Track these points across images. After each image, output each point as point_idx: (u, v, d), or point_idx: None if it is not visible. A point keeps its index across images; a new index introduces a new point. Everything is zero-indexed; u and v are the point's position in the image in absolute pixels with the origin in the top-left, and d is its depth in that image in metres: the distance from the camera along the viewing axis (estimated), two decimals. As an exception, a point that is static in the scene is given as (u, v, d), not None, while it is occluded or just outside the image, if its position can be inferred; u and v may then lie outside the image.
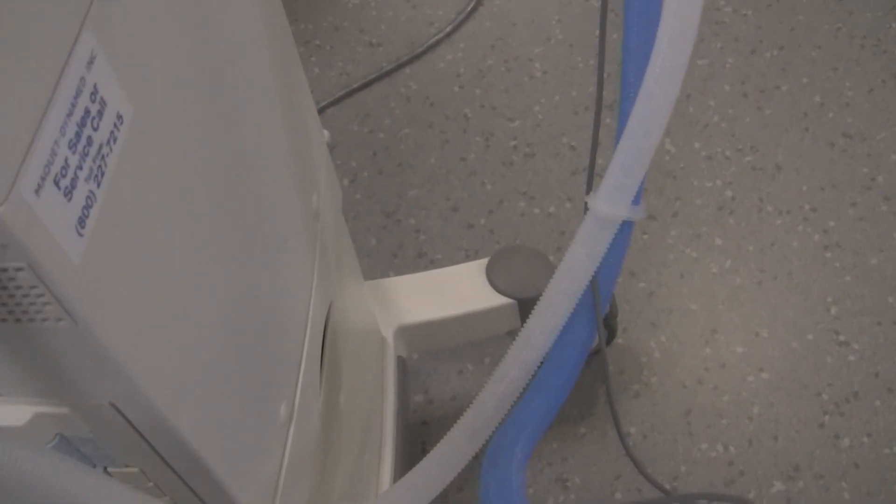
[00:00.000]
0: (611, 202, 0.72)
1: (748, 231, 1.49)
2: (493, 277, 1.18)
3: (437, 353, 1.38)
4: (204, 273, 0.60)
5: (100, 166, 0.44)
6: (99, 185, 0.44)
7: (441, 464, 0.73)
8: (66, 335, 0.46)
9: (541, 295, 0.74)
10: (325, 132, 0.94)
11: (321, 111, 1.66)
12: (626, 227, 0.76)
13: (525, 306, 1.18)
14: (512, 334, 1.27)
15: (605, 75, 0.75)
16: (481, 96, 1.69)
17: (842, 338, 1.38)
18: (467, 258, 1.46)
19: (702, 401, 1.34)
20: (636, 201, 0.74)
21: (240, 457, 0.65)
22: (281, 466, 0.73)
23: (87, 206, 0.44)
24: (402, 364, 1.16)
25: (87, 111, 0.44)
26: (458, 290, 1.19)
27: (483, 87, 1.71)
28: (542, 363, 0.76)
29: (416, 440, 1.29)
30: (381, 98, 1.71)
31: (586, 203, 0.74)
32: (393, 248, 1.50)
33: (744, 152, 1.58)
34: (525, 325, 0.74)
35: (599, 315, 0.78)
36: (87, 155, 0.43)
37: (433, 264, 1.47)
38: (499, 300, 1.17)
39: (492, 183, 1.56)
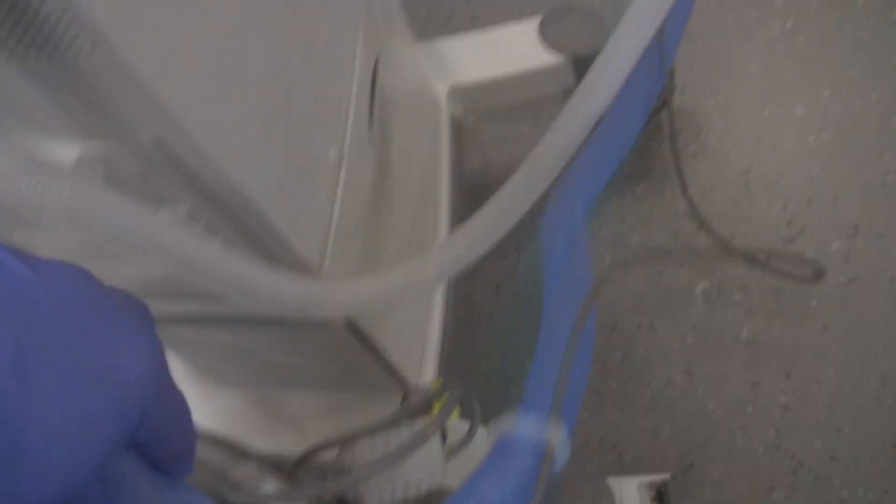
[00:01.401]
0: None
1: (812, -13, 1.43)
2: (546, 35, 1.16)
3: (492, 118, 1.37)
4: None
5: None
6: None
7: (499, 213, 0.73)
8: (102, 66, 0.45)
9: (594, 52, 0.72)
10: None
11: None
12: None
13: (579, 64, 1.16)
14: (567, 93, 1.26)
15: None
16: None
17: (908, 95, 1.34)
18: (521, 22, 1.43)
19: (761, 160, 1.32)
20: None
21: (288, 196, 0.65)
22: (332, 212, 0.74)
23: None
24: (456, 125, 1.15)
25: None
26: (511, 49, 1.17)
27: None
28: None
29: (472, 205, 1.29)
30: None
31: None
32: (444, 15, 1.47)
33: None
34: (588, 73, 0.72)
35: (667, 63, 0.75)
36: None
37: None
38: (553, 58, 1.15)
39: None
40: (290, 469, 0.63)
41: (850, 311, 1.25)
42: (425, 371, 1.03)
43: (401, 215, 0.94)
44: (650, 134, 1.35)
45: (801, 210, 1.29)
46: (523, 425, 0.50)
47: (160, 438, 0.40)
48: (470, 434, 0.67)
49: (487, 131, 1.37)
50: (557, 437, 0.49)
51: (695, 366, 1.25)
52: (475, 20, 1.46)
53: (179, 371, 1.07)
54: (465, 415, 0.71)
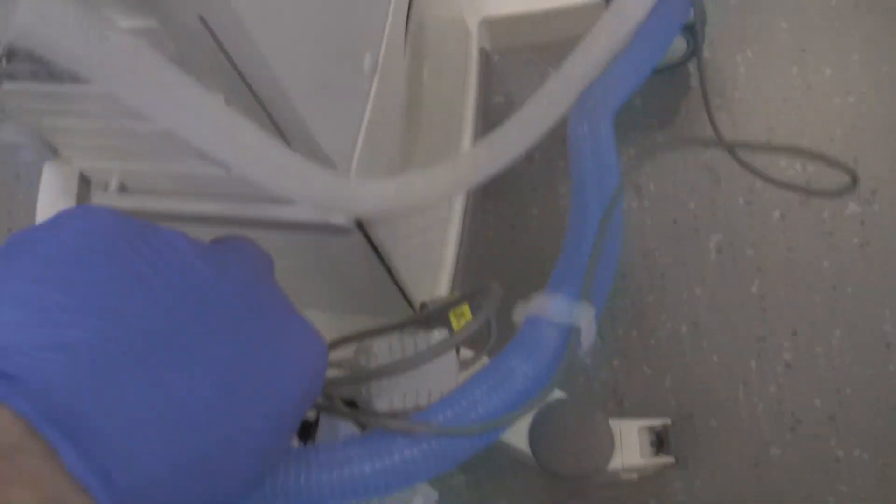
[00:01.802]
0: None
1: (850, -50, 1.42)
2: (582, -26, 1.15)
3: (519, 56, 1.36)
4: None
5: None
6: None
7: (523, 125, 0.73)
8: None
9: None
10: None
11: None
12: None
13: (612, 5, 1.15)
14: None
15: None
16: None
17: (937, 64, 1.34)
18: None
19: (784, 118, 1.32)
20: None
21: (322, 95, 0.65)
22: (362, 120, 0.74)
23: None
24: (485, 56, 1.14)
25: None
26: (545, -15, 1.16)
27: None
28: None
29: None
30: None
31: None
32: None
33: None
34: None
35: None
36: None
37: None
38: (585, -5, 1.14)
39: None
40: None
41: (860, 274, 1.25)
42: (438, 294, 1.04)
43: (426, 137, 0.94)
44: (674, 84, 1.34)
45: (820, 170, 1.29)
46: (552, 305, 0.50)
47: None
48: (484, 349, 0.67)
49: (513, 69, 1.37)
50: (586, 317, 0.49)
51: (702, 318, 1.25)
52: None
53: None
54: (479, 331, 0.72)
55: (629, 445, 1.06)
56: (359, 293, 0.99)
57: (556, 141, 1.32)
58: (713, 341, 1.25)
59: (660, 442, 1.09)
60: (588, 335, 0.48)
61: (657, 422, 1.09)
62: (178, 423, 0.34)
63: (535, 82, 1.38)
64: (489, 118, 1.25)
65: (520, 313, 0.53)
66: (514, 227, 1.32)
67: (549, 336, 0.48)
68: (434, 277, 1.06)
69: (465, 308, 0.72)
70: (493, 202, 1.32)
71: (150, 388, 0.34)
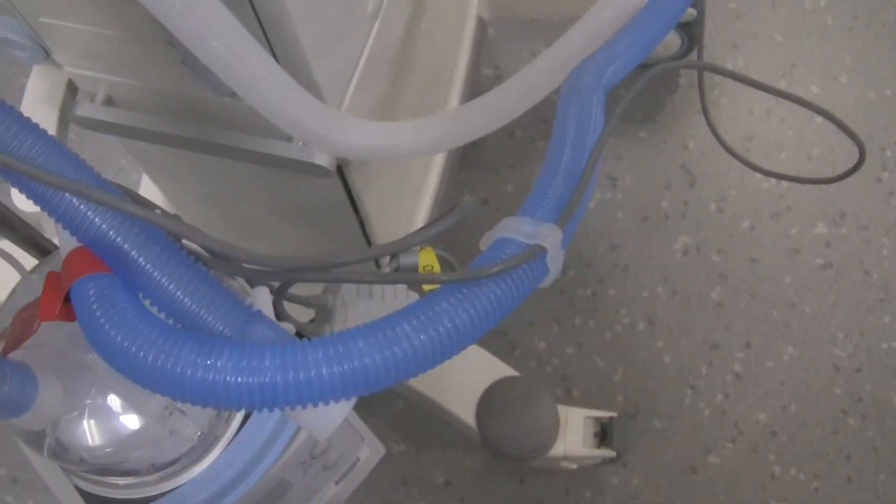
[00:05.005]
0: None
1: (851, -27, 1.42)
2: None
3: (513, 30, 1.35)
4: None
5: None
6: None
7: (519, 90, 0.72)
8: None
9: None
10: None
11: None
12: None
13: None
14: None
15: None
16: None
17: (921, 96, 1.34)
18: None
19: (766, 130, 1.32)
20: None
21: (324, 28, 0.63)
22: (358, 61, 0.73)
23: None
24: (482, 25, 1.13)
25: None
26: (550, -39, 1.15)
27: None
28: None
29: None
30: None
31: None
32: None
33: None
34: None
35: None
36: None
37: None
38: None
39: None
40: (275, 290, 0.61)
41: (819, 294, 1.25)
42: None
43: (412, 92, 0.93)
44: (661, 84, 1.34)
45: (794, 187, 1.29)
46: (519, 223, 0.49)
47: None
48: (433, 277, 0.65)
49: (506, 43, 1.36)
50: (553, 239, 0.48)
51: (659, 317, 1.25)
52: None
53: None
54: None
55: (573, 433, 1.05)
56: (326, 240, 0.97)
57: (537, 120, 1.31)
58: (668, 342, 1.24)
59: (603, 434, 1.09)
60: (555, 260, 0.47)
61: (603, 414, 1.09)
62: None
63: (526, 59, 1.38)
64: (476, 89, 1.24)
65: (486, 239, 0.51)
66: (487, 202, 1.30)
67: (513, 252, 0.47)
68: (405, 231, 1.04)
69: (433, 258, 0.71)
70: (467, 173, 1.31)
71: None
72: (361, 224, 0.88)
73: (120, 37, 0.66)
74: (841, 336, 1.24)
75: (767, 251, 1.27)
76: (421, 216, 1.07)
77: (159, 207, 0.56)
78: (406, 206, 1.06)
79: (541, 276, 0.49)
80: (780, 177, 1.17)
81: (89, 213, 0.47)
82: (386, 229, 0.94)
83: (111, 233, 0.47)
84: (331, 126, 0.59)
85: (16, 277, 0.65)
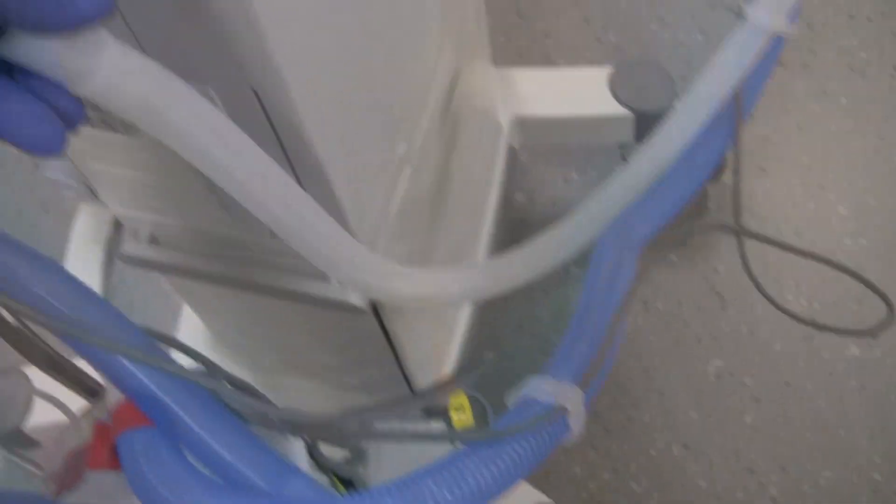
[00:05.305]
0: (771, 12, 0.71)
1: (877, 96, 1.44)
2: (616, 86, 1.17)
3: (545, 156, 1.38)
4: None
5: None
6: None
7: (558, 242, 0.73)
8: (227, 5, 0.46)
9: (659, 111, 0.72)
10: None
11: None
12: (777, 43, 0.74)
13: (642, 120, 1.17)
14: (623, 148, 1.27)
15: None
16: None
17: (950, 219, 1.35)
18: (590, 70, 1.44)
19: (792, 254, 1.33)
20: (793, 19, 0.72)
21: (355, 174, 0.66)
22: (390, 203, 0.75)
23: None
24: (512, 154, 1.16)
25: None
26: (578, 92, 1.18)
27: None
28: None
29: (511, 236, 1.29)
30: None
31: (742, 9, 0.72)
32: (520, 48, 1.49)
33: (886, 16, 1.51)
34: (663, 123, 0.73)
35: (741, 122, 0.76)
36: None
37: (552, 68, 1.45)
38: (617, 109, 1.16)
39: (627, 0, 1.53)
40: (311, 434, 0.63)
41: (855, 417, 1.25)
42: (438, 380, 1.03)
43: (449, 224, 0.95)
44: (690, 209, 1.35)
45: (826, 309, 1.29)
46: (541, 384, 0.50)
47: None
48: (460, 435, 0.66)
49: (538, 169, 1.38)
50: (574, 399, 0.49)
51: (694, 441, 1.25)
52: (548, 58, 1.47)
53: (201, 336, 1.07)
54: (477, 418, 0.71)
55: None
56: (361, 366, 0.99)
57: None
58: (702, 466, 1.24)
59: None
60: (577, 419, 0.48)
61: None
62: None
63: (557, 184, 1.41)
64: (508, 214, 1.26)
65: (511, 397, 0.53)
66: (521, 327, 1.31)
67: (535, 412, 0.48)
68: (438, 366, 1.05)
69: (464, 399, 0.72)
70: (503, 298, 1.32)
71: None
72: (395, 352, 0.89)
73: (162, 182, 0.68)
74: (878, 459, 1.23)
75: (800, 374, 1.27)
76: (455, 346, 1.08)
77: (201, 355, 0.58)
78: (441, 332, 1.08)
79: (563, 435, 0.50)
80: (815, 326, 1.17)
81: (135, 371, 0.49)
82: (420, 355, 0.95)
83: (155, 389, 0.49)
84: (378, 274, 0.60)
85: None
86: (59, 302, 0.49)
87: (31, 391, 0.79)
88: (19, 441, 0.74)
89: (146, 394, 0.49)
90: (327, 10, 0.57)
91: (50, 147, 0.41)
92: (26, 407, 0.95)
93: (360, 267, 0.58)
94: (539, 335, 1.30)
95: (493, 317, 1.31)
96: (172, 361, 0.48)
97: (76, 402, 0.69)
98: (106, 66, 0.40)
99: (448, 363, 1.07)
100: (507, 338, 1.31)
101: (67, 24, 0.38)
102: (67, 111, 0.41)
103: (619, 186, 0.71)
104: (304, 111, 0.54)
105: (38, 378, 0.65)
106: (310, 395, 1.07)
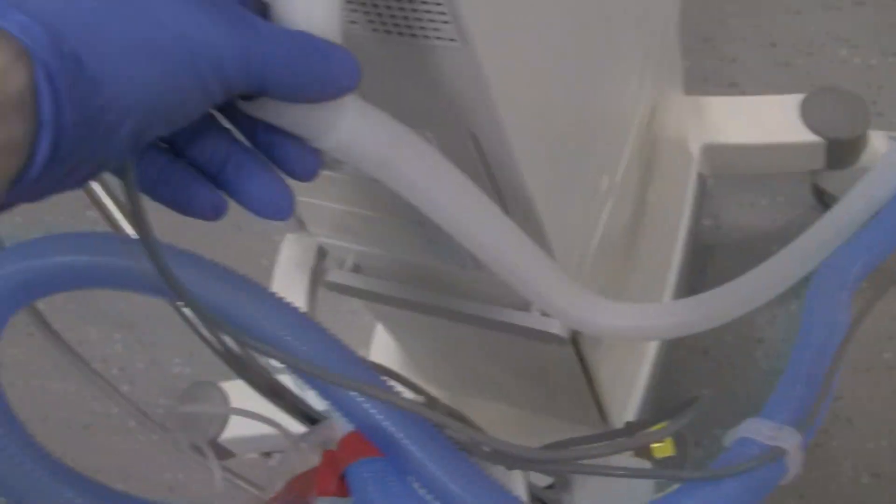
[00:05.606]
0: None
1: None
2: (807, 114, 1.16)
3: (733, 182, 1.37)
4: (567, 39, 0.63)
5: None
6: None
7: (766, 280, 0.72)
8: (452, 57, 0.50)
9: (852, 138, 0.70)
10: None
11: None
12: None
13: (833, 148, 1.15)
14: (814, 174, 1.25)
15: None
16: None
17: None
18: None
19: None
20: None
21: (561, 208, 0.68)
22: (592, 237, 0.77)
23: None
24: (701, 181, 1.16)
25: None
26: (769, 120, 1.17)
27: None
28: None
29: (697, 261, 1.29)
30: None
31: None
32: (706, 73, 1.48)
33: None
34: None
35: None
36: None
37: (743, 96, 1.44)
38: (809, 137, 1.15)
39: (815, 24, 1.50)
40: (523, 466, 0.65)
41: None
42: (628, 408, 1.05)
43: (642, 255, 0.96)
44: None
45: None
46: (762, 426, 0.52)
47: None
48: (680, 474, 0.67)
49: (726, 194, 1.38)
50: (793, 442, 0.50)
51: (884, 470, 1.22)
52: (733, 86, 1.46)
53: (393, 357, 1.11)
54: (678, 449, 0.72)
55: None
56: (550, 395, 1.01)
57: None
58: (892, 496, 1.21)
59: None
60: (795, 460, 0.50)
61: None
62: None
63: (745, 209, 1.40)
64: (697, 240, 1.26)
65: (729, 437, 0.54)
66: (707, 354, 1.31)
67: (753, 453, 0.50)
68: (627, 392, 1.07)
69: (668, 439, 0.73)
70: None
71: None
72: (589, 379, 0.91)
73: (373, 217, 0.72)
74: None
75: None
76: (645, 372, 1.09)
77: (421, 387, 0.62)
78: (633, 357, 1.09)
79: (780, 476, 0.52)
80: None
81: (366, 405, 0.53)
82: (613, 382, 0.96)
83: (385, 422, 0.53)
84: (585, 307, 0.62)
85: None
86: (296, 339, 0.53)
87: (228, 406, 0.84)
88: (216, 451, 0.78)
89: (376, 426, 0.53)
90: (550, 61, 0.60)
91: (282, 213, 0.45)
92: (223, 421, 1.01)
93: (570, 302, 0.60)
94: (724, 362, 1.30)
95: (678, 340, 1.31)
96: (402, 396, 0.52)
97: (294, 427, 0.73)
98: (348, 120, 0.43)
99: (638, 388, 1.08)
100: (694, 363, 1.31)
101: (327, 98, 0.42)
102: (306, 164, 0.45)
103: (832, 223, 0.71)
104: (520, 153, 0.57)
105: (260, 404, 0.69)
106: (495, 416, 1.09)
